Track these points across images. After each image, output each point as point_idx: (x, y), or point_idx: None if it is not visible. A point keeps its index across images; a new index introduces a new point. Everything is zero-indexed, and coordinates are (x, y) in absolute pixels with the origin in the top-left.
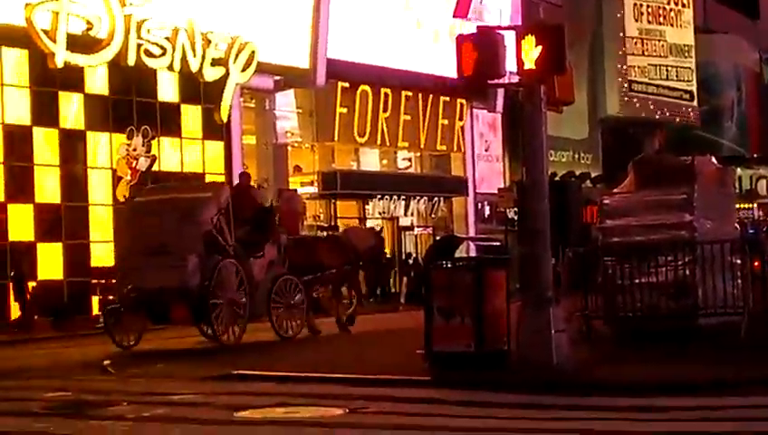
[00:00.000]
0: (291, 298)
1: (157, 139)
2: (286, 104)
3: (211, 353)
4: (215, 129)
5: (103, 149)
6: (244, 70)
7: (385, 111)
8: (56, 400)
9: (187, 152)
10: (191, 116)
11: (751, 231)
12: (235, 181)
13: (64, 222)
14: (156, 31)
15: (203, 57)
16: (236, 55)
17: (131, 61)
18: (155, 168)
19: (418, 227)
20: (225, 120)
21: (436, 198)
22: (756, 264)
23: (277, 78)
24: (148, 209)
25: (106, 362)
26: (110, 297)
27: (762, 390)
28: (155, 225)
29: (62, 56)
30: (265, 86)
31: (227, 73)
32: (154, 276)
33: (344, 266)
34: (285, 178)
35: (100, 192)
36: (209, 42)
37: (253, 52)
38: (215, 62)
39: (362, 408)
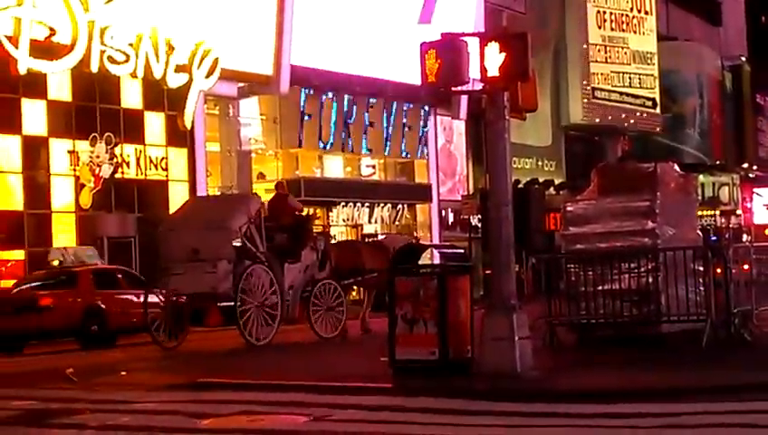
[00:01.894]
0: (330, 301)
1: (120, 145)
2: (250, 111)
3: (175, 361)
4: (178, 135)
5: (66, 156)
6: (207, 76)
7: (349, 117)
8: (21, 408)
9: (150, 159)
10: (155, 123)
11: (713, 238)
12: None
13: (27, 229)
14: (119, 37)
15: (166, 64)
16: (200, 62)
17: (94, 67)
18: (117, 175)
19: (382, 234)
20: (188, 126)
21: (399, 205)
22: (718, 271)
23: (241, 85)
24: (184, 220)
25: (69, 371)
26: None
27: (722, 397)
28: (189, 234)
29: (25, 62)
30: (229, 93)
31: (191, 80)
32: (189, 282)
33: (384, 271)
34: (249, 186)
35: (62, 199)
36: (173, 48)
37: (216, 58)
38: (178, 69)
39: (326, 416)
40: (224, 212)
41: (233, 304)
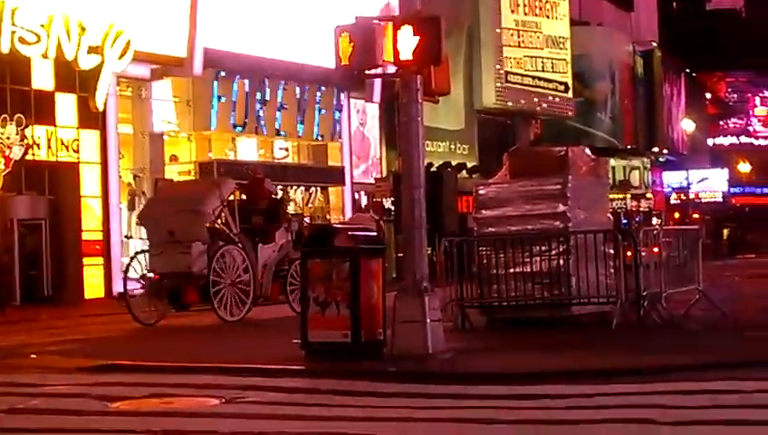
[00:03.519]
0: None
1: (31, 127)
2: (163, 93)
3: (87, 344)
4: (90, 117)
5: None
6: (120, 58)
7: (262, 100)
8: None
9: (61, 141)
10: (66, 104)
11: (624, 221)
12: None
13: None
14: (30, 18)
15: (78, 45)
16: (112, 43)
17: (5, 48)
18: (28, 157)
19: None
20: (100, 108)
21: (313, 188)
22: (629, 254)
23: (154, 66)
24: (161, 202)
25: None
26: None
27: (631, 378)
28: (165, 217)
29: None
30: (142, 75)
31: (103, 62)
32: (165, 262)
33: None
34: (162, 168)
35: None
36: (85, 29)
37: (129, 40)
38: (90, 50)
39: (238, 397)
40: (197, 195)
41: (206, 282)
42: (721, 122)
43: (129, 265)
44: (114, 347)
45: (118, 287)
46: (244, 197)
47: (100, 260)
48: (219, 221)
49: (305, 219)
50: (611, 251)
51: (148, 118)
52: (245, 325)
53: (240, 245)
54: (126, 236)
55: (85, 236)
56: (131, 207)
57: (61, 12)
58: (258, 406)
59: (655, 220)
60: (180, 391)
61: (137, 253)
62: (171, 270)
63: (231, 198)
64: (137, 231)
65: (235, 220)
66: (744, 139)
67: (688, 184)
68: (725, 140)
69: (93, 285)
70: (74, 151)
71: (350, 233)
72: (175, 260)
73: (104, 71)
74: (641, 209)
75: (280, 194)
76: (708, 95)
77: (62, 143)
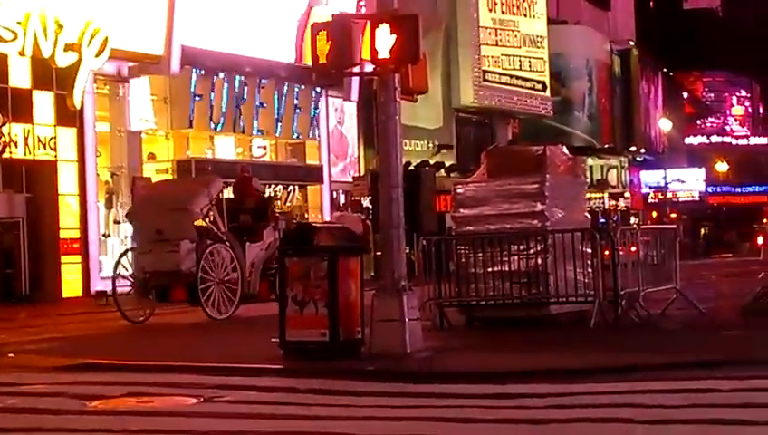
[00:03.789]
0: None
1: (8, 125)
2: (140, 91)
3: (64, 343)
4: (67, 115)
5: None
6: (97, 56)
7: (240, 98)
8: None
9: (39, 139)
10: (43, 102)
11: (601, 220)
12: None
13: None
14: (7, 15)
15: (55, 42)
16: (89, 41)
17: None
18: (6, 154)
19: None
20: (78, 106)
21: (291, 187)
22: (606, 253)
23: (131, 64)
24: (150, 201)
25: None
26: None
27: (609, 377)
28: (154, 216)
29: None
30: (119, 72)
31: (80, 59)
32: (154, 261)
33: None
34: (140, 166)
35: None
36: (62, 27)
37: (106, 37)
38: (67, 48)
39: (216, 397)
40: (186, 194)
41: (195, 281)
42: (698, 122)
43: (117, 262)
44: (92, 346)
45: (95, 286)
46: (231, 195)
47: (78, 259)
48: (207, 220)
49: (293, 218)
50: (589, 250)
51: (125, 116)
52: (230, 323)
53: (228, 243)
54: (103, 235)
55: (63, 234)
56: (109, 206)
57: (38, 9)
58: (236, 405)
59: (632, 219)
60: (158, 391)
61: (125, 251)
62: (160, 268)
63: (219, 196)
64: (114, 229)
65: (223, 219)
66: (721, 138)
67: (666, 183)
68: (703, 140)
69: (71, 283)
70: (52, 149)
71: (327, 232)
72: (163, 258)
73: (81, 68)
74: (619, 208)
75: (268, 193)
76: (685, 94)
77: (40, 141)
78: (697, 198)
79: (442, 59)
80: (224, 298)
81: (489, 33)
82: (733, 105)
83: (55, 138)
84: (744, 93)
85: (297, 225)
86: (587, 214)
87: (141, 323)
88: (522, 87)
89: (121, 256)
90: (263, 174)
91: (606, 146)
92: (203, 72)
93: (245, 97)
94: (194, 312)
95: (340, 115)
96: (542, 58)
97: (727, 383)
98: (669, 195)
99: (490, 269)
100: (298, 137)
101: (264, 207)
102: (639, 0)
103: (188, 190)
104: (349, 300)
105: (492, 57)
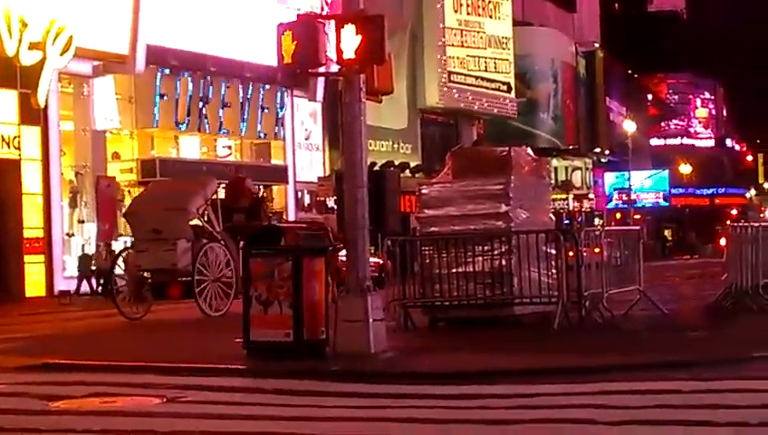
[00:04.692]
0: None
1: None
2: (105, 90)
3: (26, 343)
4: (32, 114)
5: None
6: (62, 54)
7: (205, 98)
8: None
9: (2, 137)
10: (7, 101)
11: (566, 221)
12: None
13: None
14: None
15: (19, 41)
16: (54, 39)
17: None
18: None
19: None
20: (42, 105)
21: (256, 187)
22: (570, 254)
23: (96, 63)
24: (147, 201)
25: None
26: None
27: (572, 378)
28: (151, 215)
29: None
30: (84, 71)
31: (45, 58)
32: (151, 259)
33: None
34: (104, 165)
35: None
36: (26, 25)
37: (71, 36)
38: (32, 46)
39: (179, 397)
40: (182, 195)
41: (191, 278)
42: (662, 124)
43: (114, 262)
44: (56, 346)
45: (59, 285)
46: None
47: (42, 258)
48: (203, 219)
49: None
50: (553, 251)
51: (90, 115)
52: (213, 321)
53: (223, 242)
54: (67, 234)
55: (26, 233)
56: (73, 205)
57: (2, 7)
58: (199, 405)
59: (597, 221)
60: (122, 391)
61: (122, 250)
62: (157, 266)
63: (214, 196)
64: (78, 229)
65: (218, 218)
66: (685, 140)
67: (630, 185)
68: (667, 142)
69: (34, 282)
70: (15, 148)
71: (291, 232)
72: (160, 257)
73: (46, 67)
74: (583, 210)
75: (260, 193)
76: (650, 96)
77: (3, 140)
78: (661, 200)
79: (407, 60)
80: (218, 295)
81: (454, 35)
82: (697, 107)
83: (19, 137)
84: (707, 96)
85: (263, 226)
86: (551, 215)
87: (137, 319)
88: (487, 88)
89: (118, 254)
90: (227, 174)
91: (570, 147)
92: (168, 71)
93: (211, 97)
94: (188, 309)
95: (305, 115)
96: (507, 59)
97: (691, 384)
98: (633, 196)
99: (454, 270)
100: (263, 136)
101: (256, 207)
102: (604, 2)
103: (185, 191)
104: (313, 300)
105: (457, 58)
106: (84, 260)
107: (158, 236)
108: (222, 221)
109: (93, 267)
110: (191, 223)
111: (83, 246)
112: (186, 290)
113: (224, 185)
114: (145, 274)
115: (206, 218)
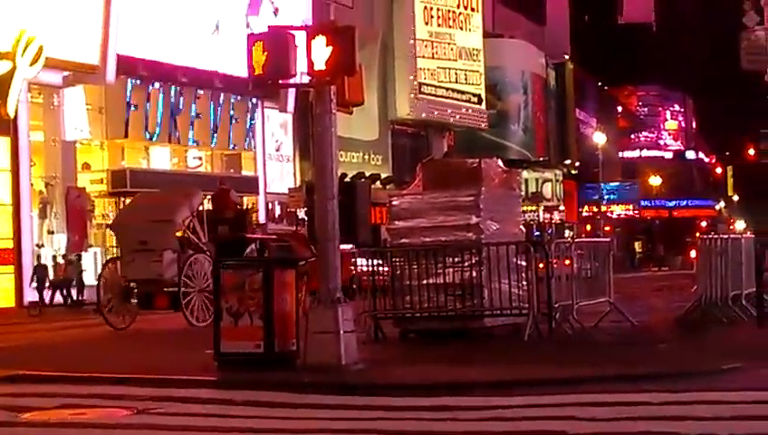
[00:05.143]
0: None
1: None
2: (75, 100)
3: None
4: (1, 124)
5: None
6: (32, 64)
7: (176, 109)
8: None
9: None
10: None
11: (536, 233)
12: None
13: None
14: None
15: None
16: (24, 49)
17: None
18: None
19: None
20: (11, 115)
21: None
22: (541, 266)
23: (66, 73)
24: (133, 212)
25: None
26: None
27: (542, 390)
28: (138, 227)
29: None
30: (54, 81)
31: (14, 68)
32: (138, 269)
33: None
34: (74, 176)
35: None
36: None
37: (41, 46)
38: (1, 56)
39: (150, 408)
40: (169, 206)
41: (177, 289)
42: (632, 136)
43: (101, 274)
44: (26, 357)
45: (28, 296)
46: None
47: (11, 269)
48: (189, 231)
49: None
50: (524, 263)
51: (59, 125)
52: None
53: (208, 253)
54: (37, 245)
55: None
56: (43, 216)
57: None
58: (169, 417)
59: (567, 232)
60: (92, 402)
61: (108, 260)
62: (143, 277)
63: (200, 208)
64: (48, 240)
65: (203, 230)
66: (654, 152)
67: (600, 197)
68: (637, 154)
69: (4, 293)
70: None
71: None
72: (147, 267)
73: (15, 77)
74: (554, 221)
75: (244, 205)
76: (620, 108)
77: None
78: (631, 212)
79: (378, 71)
80: (204, 306)
81: (425, 46)
82: (666, 119)
83: None
84: (677, 108)
85: (232, 237)
86: (521, 227)
87: (123, 329)
88: (457, 100)
89: (104, 266)
90: (198, 185)
91: (541, 159)
92: (138, 81)
93: (181, 107)
94: (174, 319)
95: (275, 126)
96: (477, 71)
97: (661, 396)
98: (603, 208)
99: (425, 281)
100: (234, 147)
101: (241, 218)
102: (574, 14)
103: (171, 203)
104: (284, 312)
105: (428, 70)
106: (40, 271)
107: (144, 247)
108: (207, 232)
109: (51, 277)
110: (177, 234)
111: (38, 256)
112: (172, 300)
113: (209, 197)
114: (131, 284)
115: (191, 230)
